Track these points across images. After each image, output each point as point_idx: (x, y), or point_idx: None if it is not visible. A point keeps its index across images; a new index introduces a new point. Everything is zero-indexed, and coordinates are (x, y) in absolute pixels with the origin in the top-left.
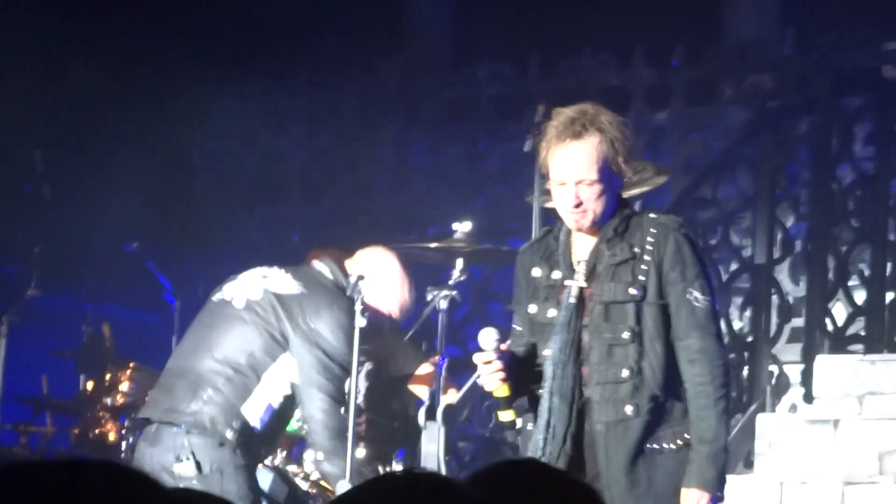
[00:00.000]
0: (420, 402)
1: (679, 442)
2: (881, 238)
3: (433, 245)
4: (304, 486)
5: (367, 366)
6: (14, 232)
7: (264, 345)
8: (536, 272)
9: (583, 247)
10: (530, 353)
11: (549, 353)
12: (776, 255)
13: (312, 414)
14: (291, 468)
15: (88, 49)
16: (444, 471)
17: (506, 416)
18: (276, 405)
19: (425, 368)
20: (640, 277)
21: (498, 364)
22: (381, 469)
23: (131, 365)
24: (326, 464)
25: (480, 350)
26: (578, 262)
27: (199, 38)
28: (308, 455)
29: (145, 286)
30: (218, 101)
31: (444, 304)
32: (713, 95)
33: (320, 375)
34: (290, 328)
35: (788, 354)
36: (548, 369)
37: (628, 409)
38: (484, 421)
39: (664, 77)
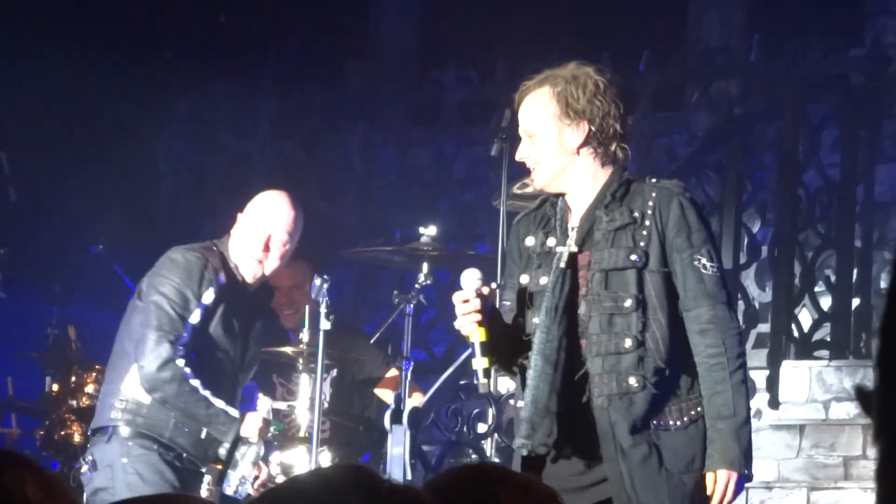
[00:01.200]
0: (386, 407)
1: (685, 419)
2: (847, 244)
3: (399, 249)
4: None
5: (333, 371)
6: None
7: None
8: (530, 241)
9: (580, 213)
10: (519, 328)
11: (537, 320)
12: (742, 260)
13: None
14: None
15: (53, 52)
16: (409, 474)
17: (480, 363)
18: None
19: (392, 373)
20: (641, 243)
21: (475, 304)
22: None
23: (97, 367)
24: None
25: (460, 290)
26: (572, 229)
27: (164, 40)
28: (274, 458)
29: (111, 288)
30: (183, 103)
31: (410, 308)
32: (680, 101)
33: (151, 311)
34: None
35: (754, 360)
36: (535, 336)
37: (632, 381)
38: (450, 425)
39: (631, 83)
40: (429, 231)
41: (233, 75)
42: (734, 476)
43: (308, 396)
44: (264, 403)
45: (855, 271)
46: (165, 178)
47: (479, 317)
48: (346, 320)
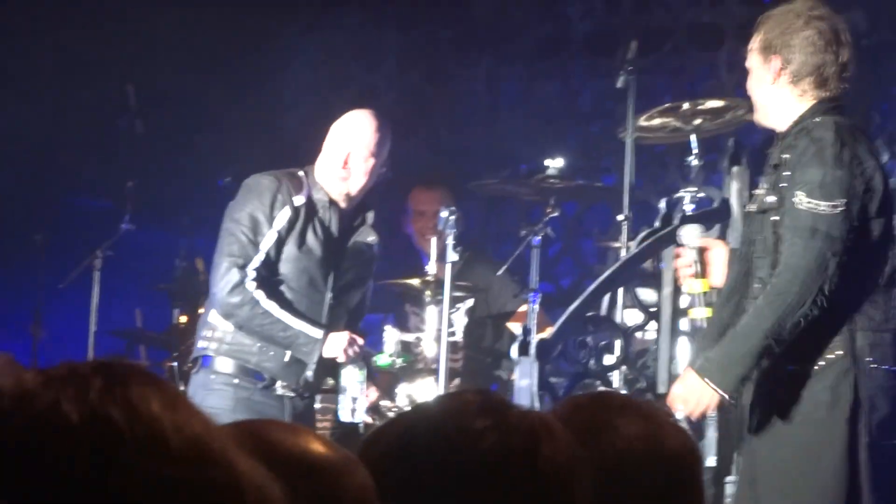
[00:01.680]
0: (516, 339)
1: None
2: None
3: (526, 181)
4: None
5: (468, 302)
6: (107, 167)
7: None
8: None
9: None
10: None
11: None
12: None
13: (214, 279)
14: (385, 403)
15: None
16: (537, 406)
17: (699, 312)
18: None
19: (525, 307)
20: (781, 185)
21: (690, 258)
22: None
23: None
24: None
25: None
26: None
27: None
28: (401, 389)
29: None
30: (307, 37)
31: (536, 241)
32: None
33: (222, 238)
34: None
35: None
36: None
37: None
38: (577, 357)
39: (757, 13)
40: (555, 163)
41: (359, 8)
42: (697, 382)
43: (436, 328)
44: (391, 335)
45: None
46: (292, 111)
47: (692, 270)
48: (480, 251)
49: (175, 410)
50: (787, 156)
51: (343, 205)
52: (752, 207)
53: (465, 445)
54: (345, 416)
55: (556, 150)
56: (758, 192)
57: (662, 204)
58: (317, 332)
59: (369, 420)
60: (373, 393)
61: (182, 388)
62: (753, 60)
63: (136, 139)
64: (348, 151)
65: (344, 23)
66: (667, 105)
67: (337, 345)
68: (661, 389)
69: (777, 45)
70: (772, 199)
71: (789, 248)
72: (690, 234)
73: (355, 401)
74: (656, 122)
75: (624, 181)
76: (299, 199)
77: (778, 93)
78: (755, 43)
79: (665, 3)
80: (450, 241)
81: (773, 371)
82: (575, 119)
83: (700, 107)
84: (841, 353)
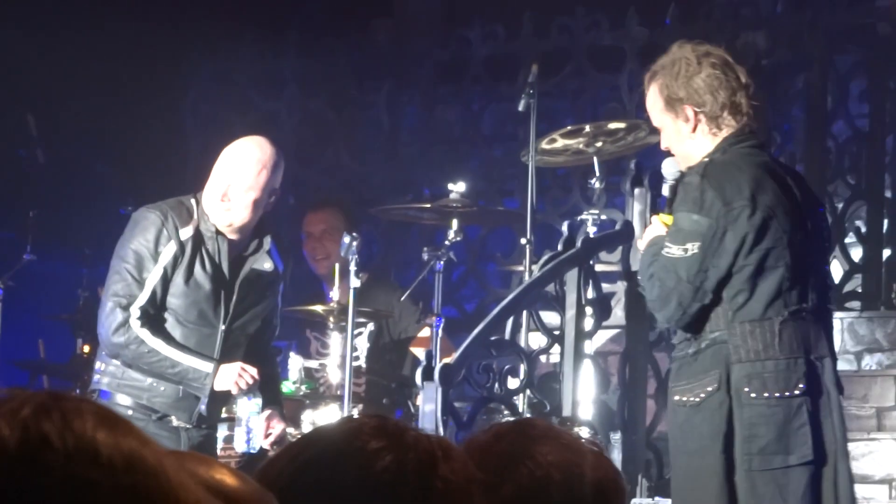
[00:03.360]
0: (419, 363)
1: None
2: (878, 194)
3: (428, 206)
4: None
5: (370, 326)
6: (9, 196)
7: None
8: None
9: None
10: None
11: None
12: None
13: (100, 319)
14: (290, 430)
15: (77, 14)
16: (441, 431)
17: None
18: None
19: (427, 331)
20: None
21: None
22: None
23: None
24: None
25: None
26: None
27: (188, 0)
28: (306, 416)
29: None
30: (208, 64)
31: (440, 265)
32: None
33: (109, 277)
34: None
35: None
36: None
37: None
38: (481, 381)
39: (657, 36)
40: (457, 187)
41: (258, 35)
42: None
43: (340, 354)
44: (295, 362)
45: (885, 222)
46: (193, 138)
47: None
48: (383, 276)
49: (111, 427)
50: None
51: (233, 233)
52: None
53: (360, 465)
54: (240, 446)
55: (458, 174)
56: None
57: (565, 227)
58: (206, 366)
59: (268, 450)
60: (276, 424)
61: None
62: (663, 119)
63: (38, 169)
64: (228, 183)
65: (242, 50)
66: (569, 128)
67: (228, 377)
68: (566, 412)
69: (683, 97)
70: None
71: (653, 287)
72: (669, 168)
73: (250, 431)
74: (558, 144)
75: (527, 204)
76: (186, 232)
77: (700, 140)
78: (656, 102)
79: (565, 27)
80: (352, 266)
81: (668, 401)
82: (477, 143)
83: (602, 129)
84: (715, 386)
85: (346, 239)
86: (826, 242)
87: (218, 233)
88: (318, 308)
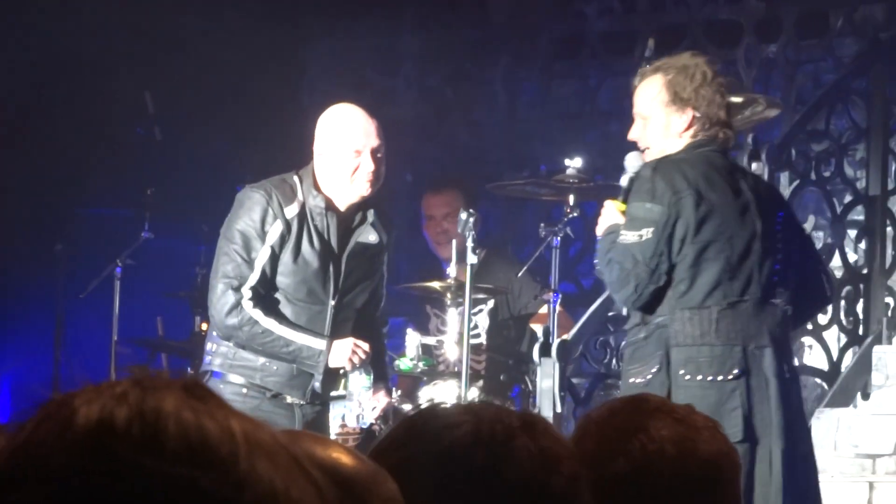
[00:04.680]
0: (537, 339)
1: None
2: None
3: (545, 182)
4: None
5: (490, 303)
6: (126, 174)
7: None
8: None
9: None
10: None
11: None
12: (890, 186)
13: (211, 301)
14: (407, 406)
15: None
16: (559, 407)
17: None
18: None
19: (547, 308)
20: None
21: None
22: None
23: None
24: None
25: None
26: None
27: None
28: (423, 392)
29: None
30: (325, 41)
31: (556, 241)
32: (824, 27)
33: (216, 258)
34: None
35: None
36: None
37: None
38: (599, 357)
39: (774, 9)
40: (574, 163)
41: (375, 12)
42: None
43: (458, 330)
44: (413, 339)
45: None
46: (310, 116)
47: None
48: (501, 252)
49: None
50: None
51: (344, 207)
52: None
53: (445, 427)
54: (351, 421)
55: (575, 149)
56: None
57: None
58: (320, 344)
59: (376, 425)
60: (382, 398)
61: None
62: (655, 110)
63: (155, 146)
64: (357, 148)
65: (361, 27)
66: None
67: (341, 353)
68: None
69: (691, 99)
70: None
71: (612, 270)
72: (633, 160)
73: (361, 406)
74: None
75: None
76: (291, 210)
77: (679, 141)
78: (659, 94)
79: (682, 1)
80: (469, 243)
81: (624, 382)
82: (594, 118)
83: None
84: (658, 367)
85: (463, 216)
86: (779, 244)
87: (328, 208)
88: (436, 285)
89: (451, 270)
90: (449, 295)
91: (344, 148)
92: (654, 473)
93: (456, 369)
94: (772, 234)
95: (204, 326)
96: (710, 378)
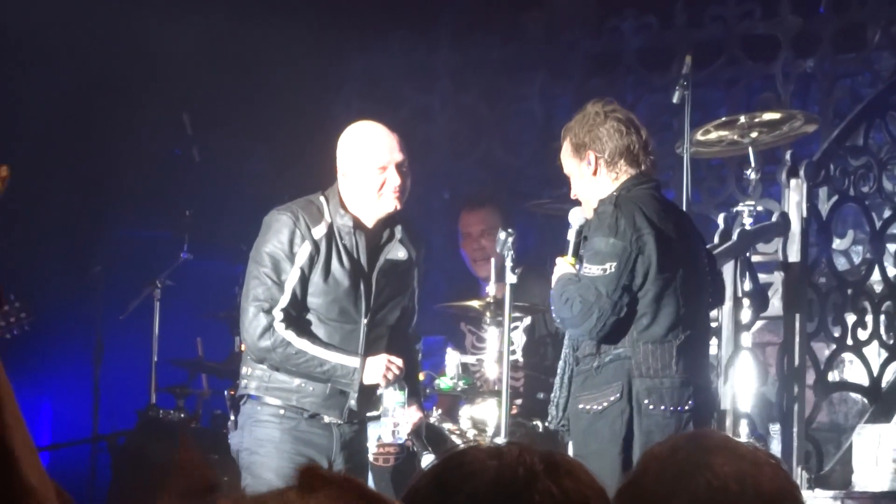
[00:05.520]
0: None
1: None
2: None
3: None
4: (459, 442)
5: (526, 320)
6: (165, 195)
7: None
8: None
9: None
10: None
11: None
12: None
13: (243, 325)
14: (448, 425)
15: (231, 13)
16: None
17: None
18: None
19: None
20: (583, 253)
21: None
22: (537, 423)
23: None
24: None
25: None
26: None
27: None
28: (463, 412)
29: None
30: (360, 60)
31: None
32: (861, 41)
33: (246, 282)
34: None
35: None
36: None
37: None
38: None
39: (811, 24)
40: None
41: (410, 30)
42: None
43: (497, 349)
44: (453, 358)
45: None
46: None
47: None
48: (538, 269)
49: None
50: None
51: (371, 224)
52: None
53: (470, 474)
54: (387, 437)
55: None
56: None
57: (721, 219)
58: (354, 362)
59: (409, 440)
60: (415, 413)
61: (233, 417)
62: (570, 165)
63: (194, 167)
64: (381, 165)
65: (396, 45)
66: (723, 119)
67: (376, 370)
68: (725, 405)
69: (587, 142)
70: (577, 267)
71: (573, 304)
72: (576, 217)
73: (396, 422)
74: (713, 135)
75: (682, 196)
76: (319, 231)
77: (600, 182)
78: (566, 151)
79: (718, 16)
80: (508, 262)
81: (573, 409)
82: None
83: (756, 119)
84: (618, 396)
85: (502, 235)
86: (709, 276)
87: (356, 226)
88: (475, 303)
89: (490, 289)
90: (488, 314)
91: (369, 166)
92: None
93: (496, 388)
94: (703, 268)
95: (243, 347)
96: (671, 408)
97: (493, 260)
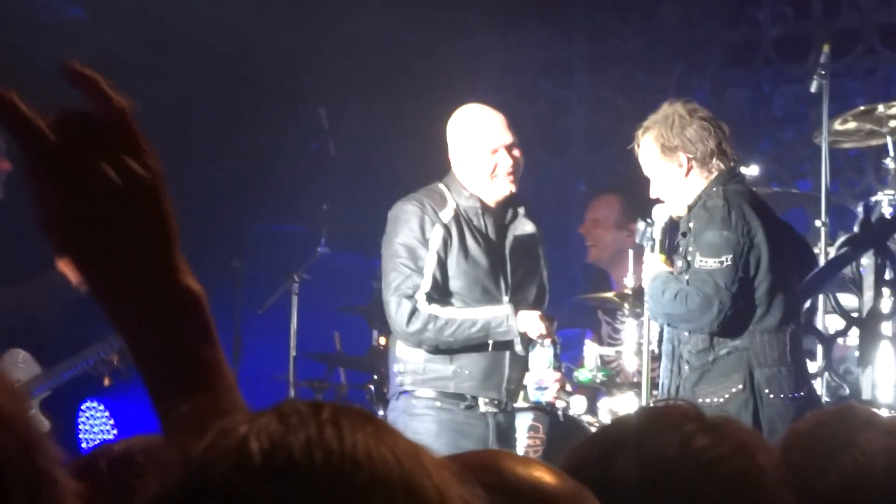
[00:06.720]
0: None
1: None
2: None
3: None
4: None
5: None
6: (302, 190)
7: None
8: None
9: None
10: None
11: None
12: None
13: (389, 315)
14: (587, 418)
15: (367, 6)
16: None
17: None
18: None
19: None
20: (688, 249)
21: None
22: None
23: None
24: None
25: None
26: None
27: None
28: (602, 404)
29: None
30: (496, 55)
31: None
32: None
33: (385, 276)
34: None
35: None
36: None
37: None
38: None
39: None
40: (749, 170)
41: (546, 23)
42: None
43: (635, 341)
44: (591, 350)
45: None
46: None
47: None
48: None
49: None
50: (692, 224)
51: (494, 205)
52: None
53: (679, 443)
54: (531, 394)
55: (749, 156)
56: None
57: (860, 209)
58: (503, 308)
59: (557, 402)
60: (560, 379)
61: (381, 412)
62: (656, 167)
63: (330, 161)
64: (492, 148)
65: (532, 38)
66: (861, 108)
67: (529, 320)
68: (865, 395)
69: (677, 145)
70: (680, 263)
71: (690, 299)
72: (660, 214)
73: (542, 382)
74: (851, 125)
75: (820, 186)
76: (447, 214)
77: (692, 182)
78: (651, 151)
79: (855, 5)
80: (648, 252)
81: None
82: (768, 125)
83: (894, 109)
84: (741, 387)
85: (640, 224)
86: (794, 266)
87: (483, 209)
88: (610, 294)
89: (629, 280)
90: (626, 305)
91: (480, 150)
92: (866, 488)
93: (635, 380)
94: (791, 261)
95: (382, 341)
96: (790, 395)
97: (630, 251)
